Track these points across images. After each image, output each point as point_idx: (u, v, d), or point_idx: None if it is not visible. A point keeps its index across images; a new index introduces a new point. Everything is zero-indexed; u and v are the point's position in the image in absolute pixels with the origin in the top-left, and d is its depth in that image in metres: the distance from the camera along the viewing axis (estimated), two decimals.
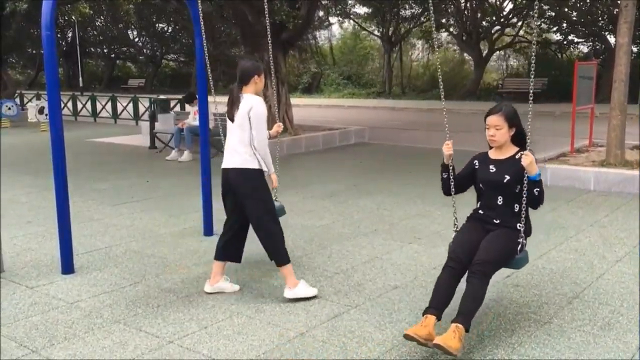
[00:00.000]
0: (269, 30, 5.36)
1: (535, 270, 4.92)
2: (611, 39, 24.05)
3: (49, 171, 5.30)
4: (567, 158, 9.34)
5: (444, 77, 32.28)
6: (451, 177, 4.03)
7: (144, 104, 18.70)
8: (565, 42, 28.69)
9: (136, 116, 18.57)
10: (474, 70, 29.61)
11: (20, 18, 19.15)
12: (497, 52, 31.50)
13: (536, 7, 4.06)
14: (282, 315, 4.13)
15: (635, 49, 22.70)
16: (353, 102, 28.00)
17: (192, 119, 11.22)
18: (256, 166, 4.31)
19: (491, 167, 3.93)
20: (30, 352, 3.64)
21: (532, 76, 3.88)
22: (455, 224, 4.02)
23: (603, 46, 25.65)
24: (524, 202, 3.76)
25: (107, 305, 4.34)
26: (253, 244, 5.75)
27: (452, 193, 4.06)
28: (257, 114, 4.27)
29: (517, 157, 3.82)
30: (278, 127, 4.89)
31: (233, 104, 4.35)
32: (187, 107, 12.98)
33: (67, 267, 5.02)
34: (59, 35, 37.00)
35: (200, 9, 5.47)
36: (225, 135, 4.58)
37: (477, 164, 4.03)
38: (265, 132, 4.40)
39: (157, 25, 38.35)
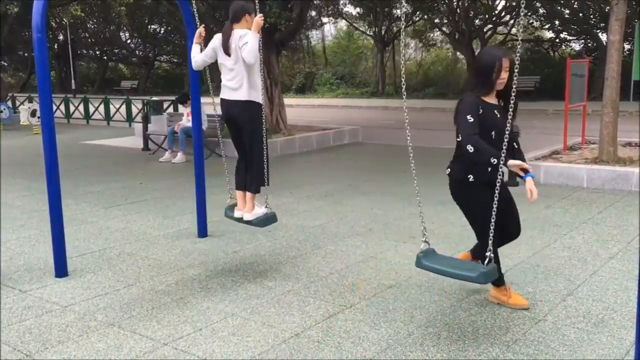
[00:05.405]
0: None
1: (528, 268, 4.93)
2: (603, 37, 24.15)
3: (42, 174, 5.28)
4: (560, 156, 9.37)
5: (438, 76, 32.61)
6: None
7: (136, 106, 18.65)
8: (557, 40, 28.77)
9: (129, 118, 18.51)
10: (467, 69, 29.67)
11: (12, 21, 19.07)
12: None
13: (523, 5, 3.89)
14: (277, 316, 4.12)
15: (627, 46, 22.79)
16: (346, 102, 27.97)
17: (186, 121, 11.20)
18: (258, 99, 4.75)
19: (495, 112, 3.83)
20: (24, 356, 3.62)
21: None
22: (424, 234, 3.80)
23: (595, 44, 25.76)
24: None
25: (101, 308, 4.33)
26: (249, 245, 5.78)
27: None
28: (248, 37, 4.62)
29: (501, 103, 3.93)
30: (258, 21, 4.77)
31: (227, 40, 4.73)
32: (181, 108, 12.97)
33: (61, 270, 5.00)
34: (50, 37, 36.85)
35: (195, 9, 5.46)
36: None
37: (481, 109, 3.77)
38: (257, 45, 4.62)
39: (149, 26, 38.25)
